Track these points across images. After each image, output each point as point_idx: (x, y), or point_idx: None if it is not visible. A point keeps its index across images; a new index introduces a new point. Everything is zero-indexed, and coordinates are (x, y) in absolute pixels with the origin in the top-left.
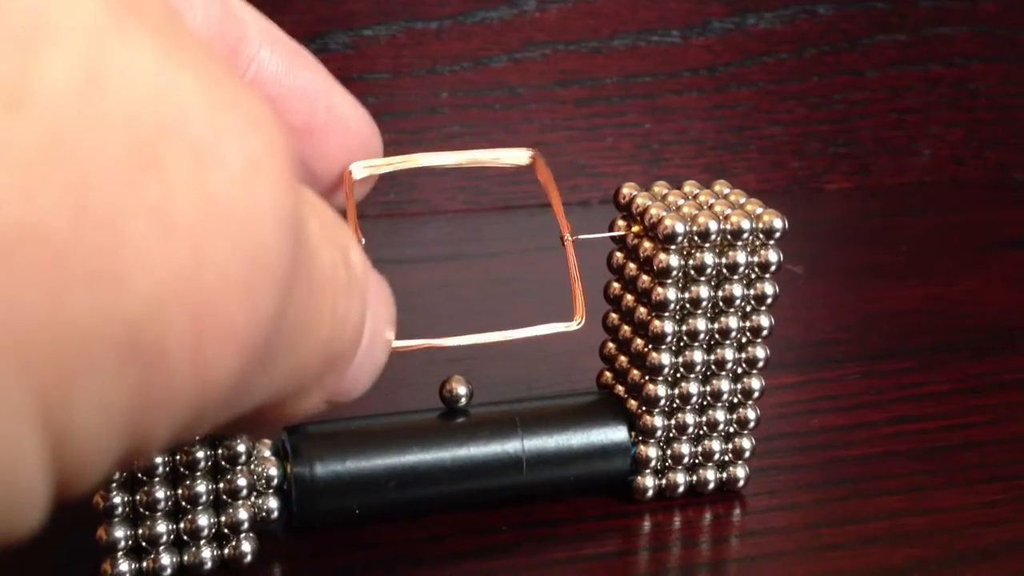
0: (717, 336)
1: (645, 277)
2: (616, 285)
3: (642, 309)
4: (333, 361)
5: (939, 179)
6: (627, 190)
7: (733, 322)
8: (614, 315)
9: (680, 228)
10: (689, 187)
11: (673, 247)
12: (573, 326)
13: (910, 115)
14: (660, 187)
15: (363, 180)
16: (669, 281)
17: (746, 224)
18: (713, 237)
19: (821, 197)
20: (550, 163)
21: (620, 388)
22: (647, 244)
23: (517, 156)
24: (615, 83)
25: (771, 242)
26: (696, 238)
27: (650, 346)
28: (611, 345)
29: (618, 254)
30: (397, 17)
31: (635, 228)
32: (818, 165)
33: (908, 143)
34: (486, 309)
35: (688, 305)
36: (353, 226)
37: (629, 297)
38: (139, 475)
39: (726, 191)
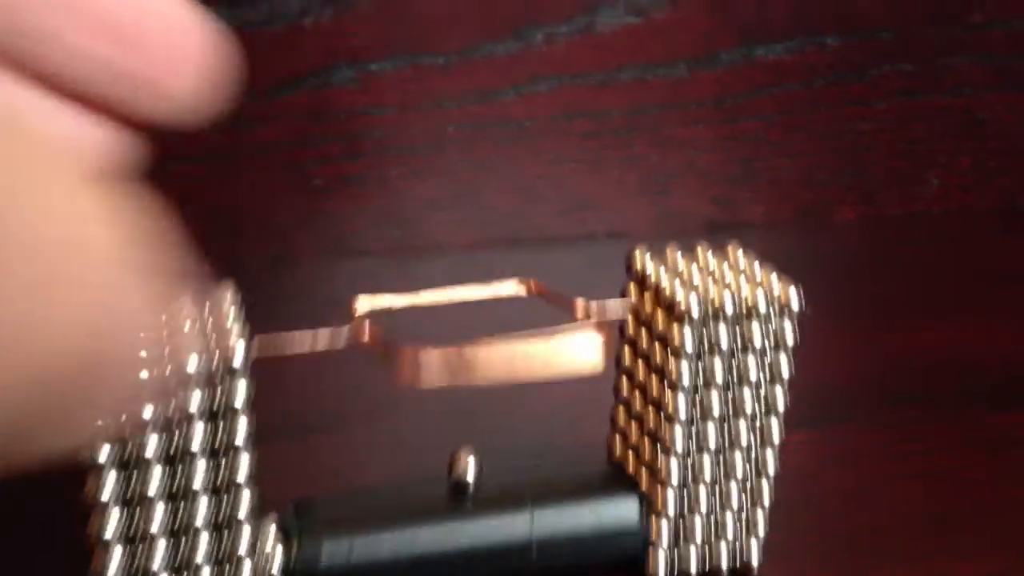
0: (732, 409)
1: (658, 349)
2: (627, 351)
3: (655, 381)
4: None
5: (947, 208)
6: (640, 259)
7: (747, 396)
8: (625, 380)
9: (696, 307)
10: (702, 253)
11: (688, 324)
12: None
13: (918, 145)
14: (672, 252)
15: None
16: (684, 358)
17: (763, 302)
18: (729, 314)
19: (829, 228)
20: (556, 198)
21: (630, 455)
22: (661, 317)
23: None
24: (622, 116)
25: (787, 318)
26: (711, 315)
27: (663, 420)
28: (621, 411)
29: (629, 319)
30: (403, 52)
31: (647, 298)
32: (826, 196)
33: (916, 173)
34: None
35: (702, 379)
36: None
37: (640, 365)
38: (143, 565)
39: (740, 259)
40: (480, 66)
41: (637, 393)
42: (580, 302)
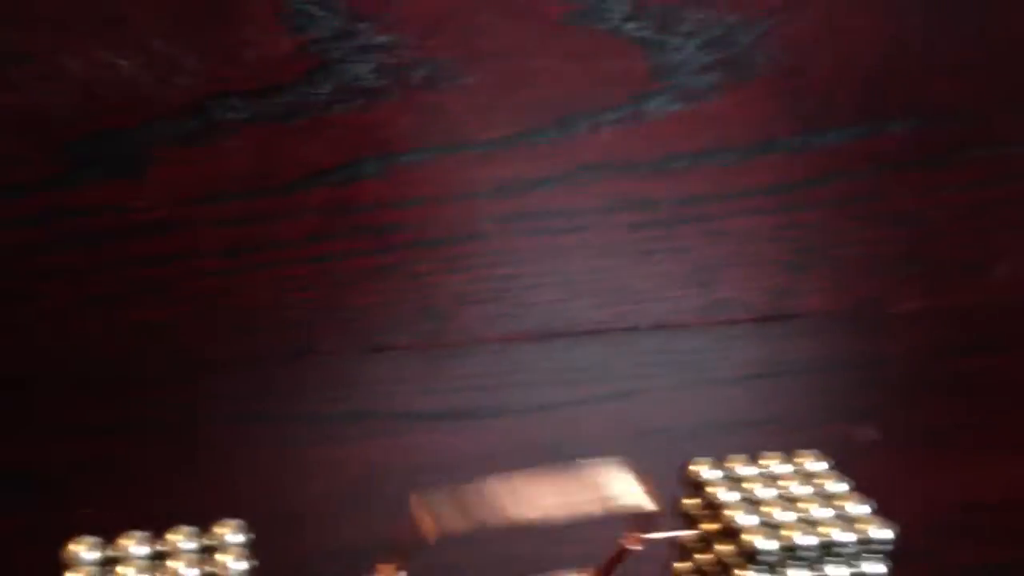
0: None
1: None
2: (683, 564)
3: None
4: None
5: (1016, 297)
6: (700, 474)
7: None
8: None
9: (770, 549)
10: (770, 464)
11: (760, 566)
12: None
13: (985, 233)
14: (735, 464)
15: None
16: None
17: (847, 541)
18: (807, 555)
19: (888, 321)
20: (598, 290)
21: None
22: (727, 546)
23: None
24: (671, 206)
25: (875, 556)
26: (787, 553)
27: None
28: None
29: (682, 531)
30: (437, 142)
31: (709, 517)
32: (886, 287)
33: (982, 262)
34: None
35: None
36: None
37: None
38: None
39: (812, 470)
40: (519, 156)
41: None
42: (631, 538)
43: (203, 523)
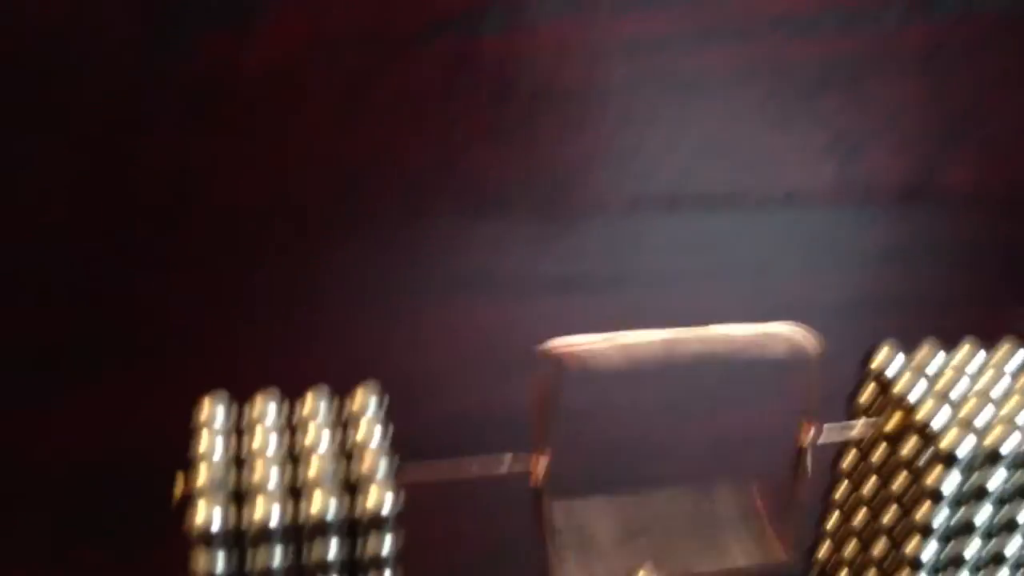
0: (989, 560)
1: (906, 479)
2: (854, 456)
3: (896, 512)
4: None
5: None
6: (887, 362)
7: (1010, 547)
8: (848, 489)
9: (968, 451)
10: (960, 353)
11: (955, 469)
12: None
13: None
14: (922, 352)
15: None
16: (942, 503)
17: None
18: (1008, 459)
19: None
20: (729, 157)
21: (843, 570)
22: (914, 443)
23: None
24: (816, 69)
25: None
26: (984, 457)
27: (904, 563)
28: (836, 518)
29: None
30: None
31: (893, 412)
32: None
33: None
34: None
35: (960, 523)
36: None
37: (874, 480)
38: None
39: (1009, 360)
40: (652, 12)
41: (864, 510)
42: (810, 429)
43: (319, 385)
